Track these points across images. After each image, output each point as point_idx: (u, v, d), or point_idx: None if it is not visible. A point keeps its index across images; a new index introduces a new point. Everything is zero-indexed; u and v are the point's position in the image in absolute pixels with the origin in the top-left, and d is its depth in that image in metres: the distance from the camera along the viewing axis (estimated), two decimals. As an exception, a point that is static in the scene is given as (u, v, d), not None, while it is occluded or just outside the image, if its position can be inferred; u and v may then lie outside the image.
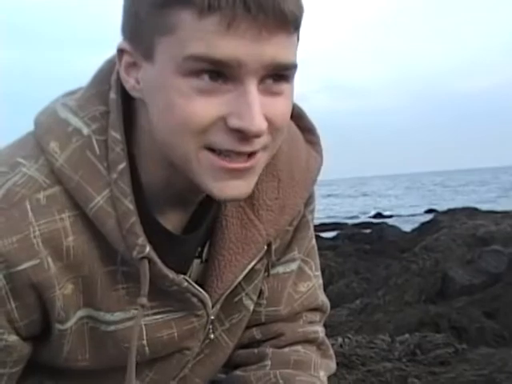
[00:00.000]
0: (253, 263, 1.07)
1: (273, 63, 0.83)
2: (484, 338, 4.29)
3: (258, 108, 0.83)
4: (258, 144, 0.87)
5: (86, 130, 0.93)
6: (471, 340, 4.24)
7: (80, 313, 0.97)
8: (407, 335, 4.21)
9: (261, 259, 1.09)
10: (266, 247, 1.07)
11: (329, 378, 1.22)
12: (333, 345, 4.11)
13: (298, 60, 0.87)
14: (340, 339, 4.21)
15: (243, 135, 0.84)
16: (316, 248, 1.24)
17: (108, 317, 0.98)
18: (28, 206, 0.90)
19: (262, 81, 0.85)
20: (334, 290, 6.22)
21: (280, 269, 1.16)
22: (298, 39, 0.87)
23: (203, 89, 0.82)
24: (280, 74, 0.86)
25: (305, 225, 1.17)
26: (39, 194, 0.91)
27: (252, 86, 0.83)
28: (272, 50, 0.82)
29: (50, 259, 0.91)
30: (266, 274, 1.12)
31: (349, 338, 4.23)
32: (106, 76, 0.97)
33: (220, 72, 0.82)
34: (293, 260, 1.17)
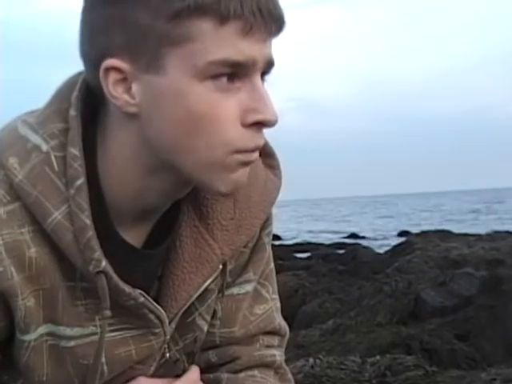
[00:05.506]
0: (208, 282, 1.06)
1: (269, 61, 0.92)
2: (455, 361, 4.31)
3: (270, 99, 0.91)
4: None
5: (45, 147, 0.93)
6: (442, 362, 4.25)
7: (40, 330, 0.98)
8: (378, 357, 4.21)
9: (215, 279, 1.08)
10: (221, 267, 1.07)
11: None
12: (304, 365, 4.13)
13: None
14: (311, 360, 4.20)
15: (258, 128, 0.91)
16: (274, 272, 1.23)
17: (68, 331, 0.98)
18: None
19: None
20: (307, 310, 6.22)
21: (234, 290, 1.15)
22: None
23: (221, 90, 0.88)
24: (269, 70, 0.93)
25: (261, 247, 1.16)
26: (0, 209, 0.92)
27: (260, 81, 0.91)
28: (269, 49, 0.92)
29: (13, 268, 0.92)
30: (220, 294, 1.11)
31: (320, 359, 4.21)
32: (66, 94, 0.97)
33: (235, 73, 0.88)
34: (248, 281, 1.16)
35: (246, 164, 0.93)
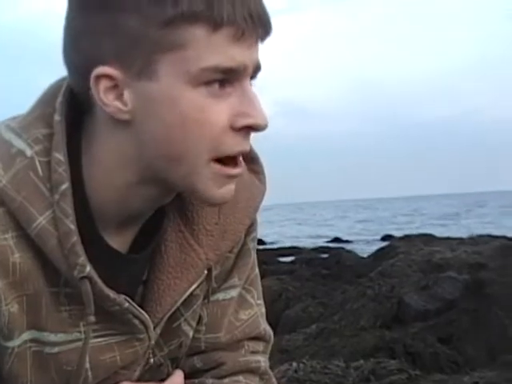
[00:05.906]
0: (193, 287, 1.06)
1: (257, 65, 0.93)
2: (438, 364, 4.33)
3: (260, 103, 0.92)
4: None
5: (29, 152, 0.93)
6: (425, 366, 4.27)
7: (24, 336, 0.97)
8: (362, 361, 4.23)
9: (200, 284, 1.08)
10: (206, 272, 1.07)
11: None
12: (288, 370, 4.13)
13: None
14: (295, 364, 4.21)
15: (247, 132, 0.92)
16: (259, 277, 1.24)
17: (52, 337, 0.98)
18: None
19: None
20: (291, 315, 6.23)
21: (220, 295, 1.16)
22: None
23: (213, 95, 0.89)
24: (256, 74, 0.94)
25: (246, 252, 1.16)
26: None
27: (249, 86, 0.92)
28: (257, 54, 0.92)
29: None
30: (206, 300, 1.12)
31: (304, 363, 4.22)
32: (50, 99, 0.97)
33: (226, 79, 0.89)
34: (233, 287, 1.16)
35: (230, 177, 0.94)
